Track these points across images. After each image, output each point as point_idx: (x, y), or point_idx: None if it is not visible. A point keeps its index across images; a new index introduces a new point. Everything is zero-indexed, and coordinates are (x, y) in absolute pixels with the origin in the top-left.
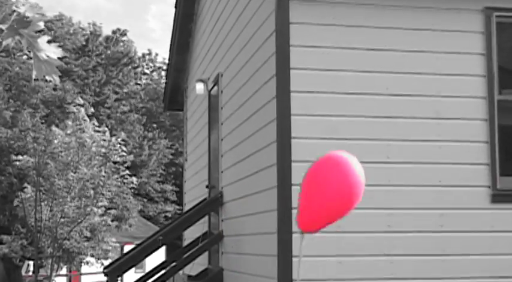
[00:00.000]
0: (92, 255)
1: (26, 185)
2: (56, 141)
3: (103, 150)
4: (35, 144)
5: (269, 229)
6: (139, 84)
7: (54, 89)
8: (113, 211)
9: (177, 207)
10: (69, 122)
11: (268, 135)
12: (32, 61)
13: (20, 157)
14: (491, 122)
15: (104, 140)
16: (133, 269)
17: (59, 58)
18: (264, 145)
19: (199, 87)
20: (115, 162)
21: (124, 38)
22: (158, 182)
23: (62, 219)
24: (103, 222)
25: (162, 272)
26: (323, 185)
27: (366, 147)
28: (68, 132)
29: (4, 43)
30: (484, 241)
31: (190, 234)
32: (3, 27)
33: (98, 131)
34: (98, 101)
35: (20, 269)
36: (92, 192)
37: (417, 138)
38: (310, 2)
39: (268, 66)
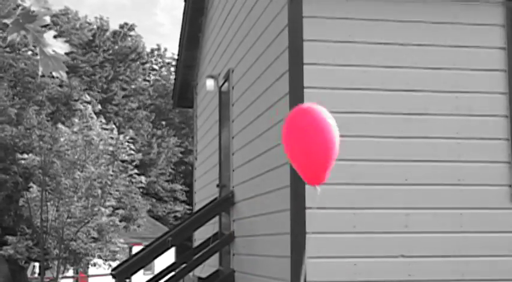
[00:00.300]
0: (100, 257)
1: (31, 184)
2: (62, 139)
3: (111, 148)
4: (41, 143)
5: (282, 229)
6: (147, 80)
7: (60, 86)
8: (120, 211)
9: (187, 207)
10: (76, 120)
11: (281, 132)
12: (37, 57)
13: (25, 156)
14: None
15: (112, 138)
16: (142, 271)
17: (65, 53)
18: (276, 143)
19: (210, 83)
20: (123, 161)
21: (132, 33)
22: (167, 181)
23: (69, 220)
24: (111, 223)
25: (172, 274)
26: (303, 136)
27: (381, 145)
28: (75, 130)
29: (9, 38)
30: (505, 241)
31: (200, 235)
32: (9, 21)
33: (106, 129)
34: (105, 97)
35: (26, 270)
36: (99, 191)
37: (435, 135)
38: None
39: (280, 62)
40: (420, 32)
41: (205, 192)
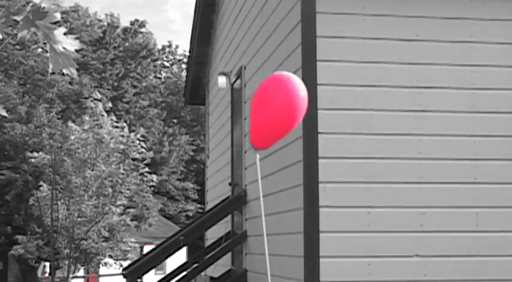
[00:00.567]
0: (111, 256)
1: (41, 183)
2: (72, 138)
3: (121, 146)
4: (51, 141)
5: (295, 229)
6: (159, 77)
7: (71, 83)
8: (132, 210)
9: (199, 205)
10: (86, 118)
11: (294, 130)
12: (47, 54)
13: (35, 154)
14: None
15: (123, 136)
16: (153, 271)
17: (76, 50)
18: (289, 141)
19: (222, 80)
20: (134, 159)
21: (143, 30)
22: (179, 179)
23: (79, 219)
24: (122, 222)
25: (184, 273)
26: (269, 102)
27: (396, 143)
28: (85, 128)
29: (19, 35)
30: None
31: (212, 234)
32: (19, 18)
33: (116, 127)
34: (116, 95)
35: (36, 270)
36: (110, 190)
37: (451, 132)
38: None
39: (293, 58)
40: (435, 28)
41: (217, 191)
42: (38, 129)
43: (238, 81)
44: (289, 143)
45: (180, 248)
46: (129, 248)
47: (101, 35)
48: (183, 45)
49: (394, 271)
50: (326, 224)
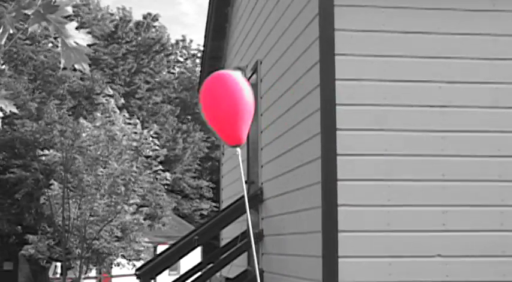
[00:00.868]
0: (123, 256)
1: (52, 181)
2: (84, 135)
3: (134, 143)
4: (62, 138)
5: (313, 228)
6: (172, 72)
7: (82, 79)
8: (145, 209)
9: (214, 204)
10: (98, 114)
11: (312, 126)
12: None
13: (46, 152)
14: None
15: (135, 133)
16: (167, 271)
17: (88, 45)
18: (307, 137)
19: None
20: (147, 157)
21: (156, 24)
22: (193, 177)
23: (91, 218)
24: (135, 221)
25: (198, 274)
26: (215, 102)
27: (417, 139)
28: (97, 124)
29: (30, 29)
30: None
31: (227, 234)
32: (29, 12)
33: (129, 124)
34: (129, 91)
35: (47, 270)
36: (122, 188)
37: (474, 128)
38: None
39: (311, 52)
40: (457, 20)
41: (232, 189)
42: (49, 126)
43: (254, 76)
44: (306, 139)
45: (194, 248)
46: (142, 248)
47: (113, 29)
48: (197, 39)
49: (415, 272)
50: (345, 223)
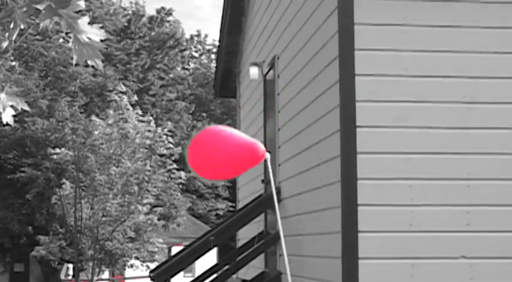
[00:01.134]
0: (137, 258)
1: (64, 180)
2: (96, 133)
3: (148, 141)
4: (74, 136)
5: (332, 228)
6: (187, 68)
7: (94, 75)
8: (159, 209)
9: (230, 204)
10: (111, 111)
11: (331, 124)
12: (70, 44)
13: (57, 150)
14: None
15: (149, 131)
16: (182, 273)
17: (100, 40)
18: (326, 135)
19: (254, 71)
20: (161, 155)
21: (169, 18)
22: None
23: (104, 218)
24: (148, 222)
25: (214, 276)
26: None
27: (440, 137)
28: (110, 122)
29: (42, 25)
30: None
31: (244, 235)
32: (41, 7)
33: (142, 121)
34: (142, 88)
35: (59, 272)
36: (136, 188)
37: (499, 125)
38: None
39: (330, 47)
40: (482, 14)
41: (249, 189)
42: (60, 124)
43: (271, 71)
44: (325, 137)
45: (210, 249)
46: (156, 249)
47: (126, 24)
48: (212, 34)
49: (438, 274)
50: (365, 223)
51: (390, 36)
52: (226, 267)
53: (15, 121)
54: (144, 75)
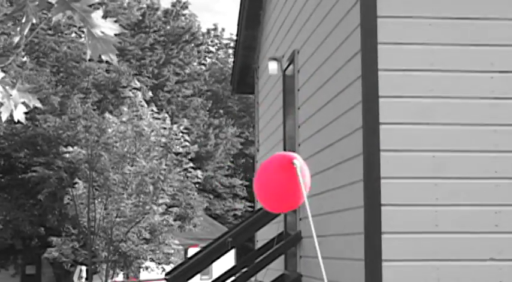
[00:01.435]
0: (152, 260)
1: (77, 180)
2: (110, 130)
3: (163, 139)
4: (87, 134)
5: (355, 229)
6: (203, 64)
7: (108, 71)
8: (175, 209)
9: (248, 204)
10: (125, 108)
11: (353, 120)
12: (82, 39)
13: (70, 148)
14: None
15: (164, 128)
16: (198, 275)
17: (115, 35)
18: (348, 132)
19: (273, 66)
20: (177, 154)
21: (185, 11)
22: (226, 175)
23: (118, 219)
24: (164, 222)
25: (232, 278)
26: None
27: (467, 134)
28: (124, 119)
29: (54, 19)
30: None
31: (263, 236)
32: (53, 1)
33: (157, 118)
34: (157, 83)
35: (71, 275)
36: (151, 187)
37: None
38: None
39: (351, 41)
40: (510, 5)
41: None
42: (73, 122)
43: (291, 67)
44: (347, 134)
45: (227, 251)
46: (172, 251)
47: (140, 18)
48: (230, 28)
49: (466, 276)
50: (389, 224)
51: (415, 30)
52: (245, 269)
53: (26, 119)
54: (159, 71)
